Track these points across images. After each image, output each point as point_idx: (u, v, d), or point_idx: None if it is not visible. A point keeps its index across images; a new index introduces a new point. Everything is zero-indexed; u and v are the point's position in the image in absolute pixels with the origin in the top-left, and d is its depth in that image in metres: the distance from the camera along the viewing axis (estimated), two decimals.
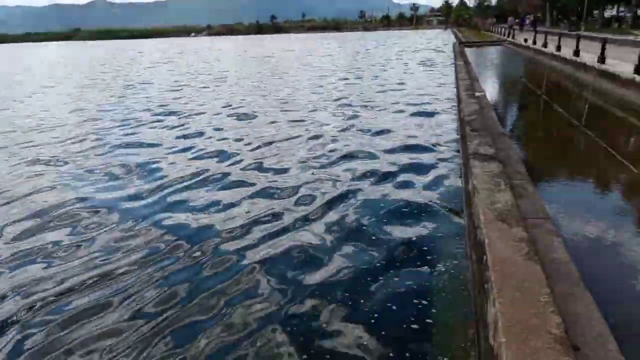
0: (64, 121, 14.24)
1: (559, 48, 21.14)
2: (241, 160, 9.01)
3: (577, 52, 17.92)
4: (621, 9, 53.92)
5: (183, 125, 12.81)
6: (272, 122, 12.61)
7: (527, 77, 18.63)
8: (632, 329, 3.36)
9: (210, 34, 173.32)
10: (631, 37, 25.44)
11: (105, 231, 5.98)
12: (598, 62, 15.08)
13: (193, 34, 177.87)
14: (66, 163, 9.41)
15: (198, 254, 5.26)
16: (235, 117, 13.60)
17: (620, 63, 14.50)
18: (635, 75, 11.94)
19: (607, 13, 57.63)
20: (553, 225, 4.43)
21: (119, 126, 13.08)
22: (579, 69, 16.93)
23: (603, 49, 15.05)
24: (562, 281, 3.41)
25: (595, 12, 55.34)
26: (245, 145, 10.23)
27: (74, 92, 21.72)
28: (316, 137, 10.73)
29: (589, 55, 16.93)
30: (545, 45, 24.35)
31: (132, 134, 12.04)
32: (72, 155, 10.04)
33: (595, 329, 2.91)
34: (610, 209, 5.69)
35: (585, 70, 16.11)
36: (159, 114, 14.64)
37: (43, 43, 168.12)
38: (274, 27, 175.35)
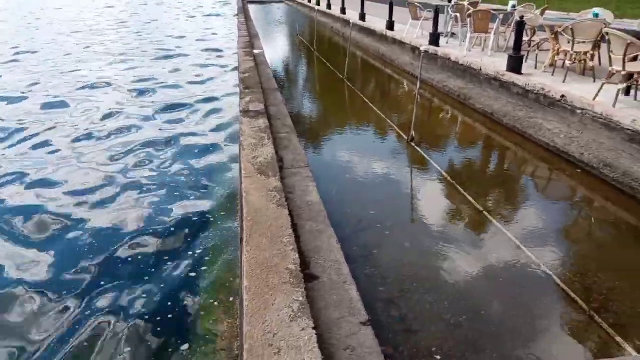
0: None
1: (329, 6, 22.77)
2: None
3: (343, 10, 19.57)
4: None
5: None
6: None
7: (304, 34, 19.74)
8: (363, 253, 3.99)
9: None
10: None
11: None
12: (360, 19, 16.72)
13: None
14: None
15: None
16: None
17: (379, 20, 16.30)
18: (387, 31, 13.61)
19: None
20: (310, 172, 4.89)
21: None
22: (346, 25, 18.57)
23: (362, 7, 16.75)
24: (310, 221, 3.81)
25: None
26: None
27: None
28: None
29: (353, 13, 18.63)
30: (318, 3, 25.95)
31: None
32: None
33: (333, 258, 3.36)
34: (363, 152, 6.54)
35: (350, 26, 17.76)
36: None
37: None
38: None
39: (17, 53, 15.66)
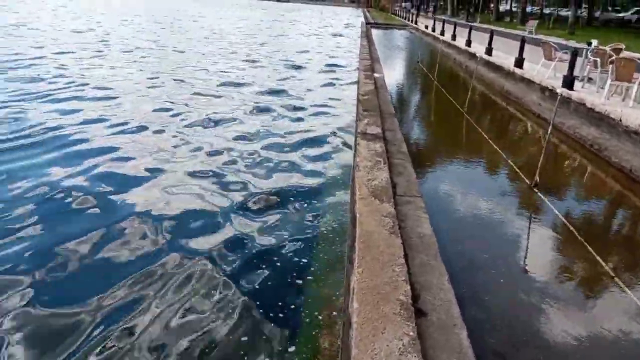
0: None
1: (454, 37, 22.45)
2: None
3: (468, 43, 19.15)
4: (514, 4, 58.41)
5: None
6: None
7: (424, 62, 19.61)
8: (474, 296, 3.77)
9: None
10: (519, 32, 27.66)
11: None
12: (486, 53, 16.25)
13: None
14: None
15: None
16: None
17: (507, 56, 15.74)
18: (516, 68, 13.05)
19: (502, 7, 62.20)
20: (423, 202, 4.78)
21: None
22: (470, 58, 18.14)
23: (490, 41, 16.24)
24: (422, 253, 3.71)
25: (492, 5, 59.53)
26: None
27: None
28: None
29: (479, 47, 18.17)
30: (442, 33, 25.71)
31: None
32: None
33: (443, 296, 3.22)
34: (479, 189, 6.26)
35: (474, 60, 17.31)
36: None
37: None
38: None
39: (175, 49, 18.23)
